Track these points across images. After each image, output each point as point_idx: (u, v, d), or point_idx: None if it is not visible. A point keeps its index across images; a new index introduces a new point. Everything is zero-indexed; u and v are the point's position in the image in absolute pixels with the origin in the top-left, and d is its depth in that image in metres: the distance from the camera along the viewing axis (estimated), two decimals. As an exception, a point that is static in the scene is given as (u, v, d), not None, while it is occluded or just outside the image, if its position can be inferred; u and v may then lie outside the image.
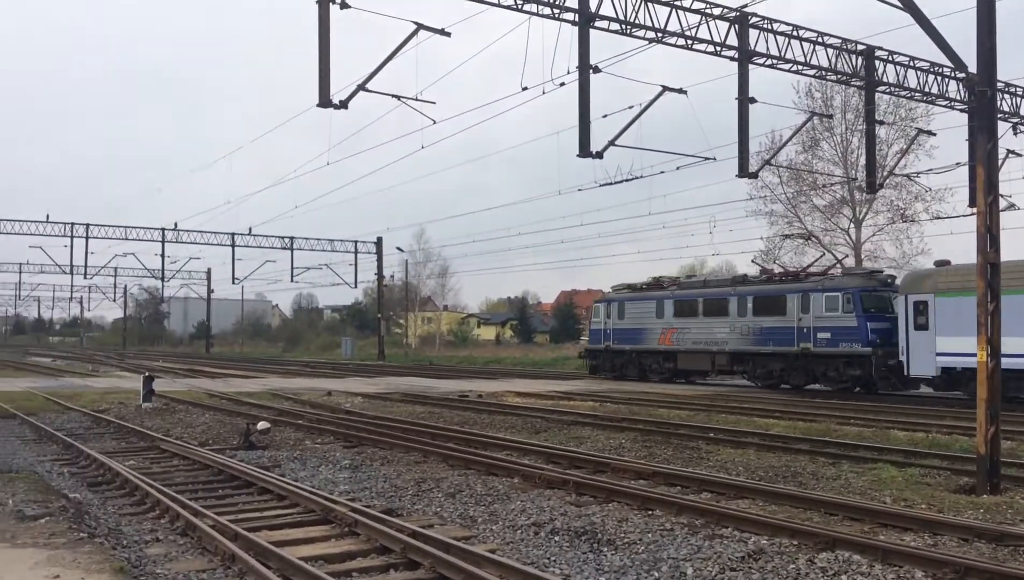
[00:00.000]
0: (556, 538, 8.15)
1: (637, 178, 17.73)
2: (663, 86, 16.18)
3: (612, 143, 15.40)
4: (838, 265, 29.32)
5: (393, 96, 14.64)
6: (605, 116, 15.87)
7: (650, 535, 8.18)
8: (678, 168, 18.21)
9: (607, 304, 34.32)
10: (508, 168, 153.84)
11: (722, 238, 60.46)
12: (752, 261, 48.18)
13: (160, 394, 22.68)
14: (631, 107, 16.26)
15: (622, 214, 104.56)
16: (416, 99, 14.94)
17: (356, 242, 63.97)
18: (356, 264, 63.94)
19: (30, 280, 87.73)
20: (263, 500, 9.83)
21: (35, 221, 55.72)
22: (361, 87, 13.99)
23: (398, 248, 70.83)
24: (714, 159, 17.26)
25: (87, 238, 57.46)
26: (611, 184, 18.07)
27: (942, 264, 23.84)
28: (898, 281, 26.42)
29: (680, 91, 16.11)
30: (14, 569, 6.44)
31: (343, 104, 13.49)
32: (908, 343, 23.36)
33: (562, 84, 14.17)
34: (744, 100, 14.81)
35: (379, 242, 64.10)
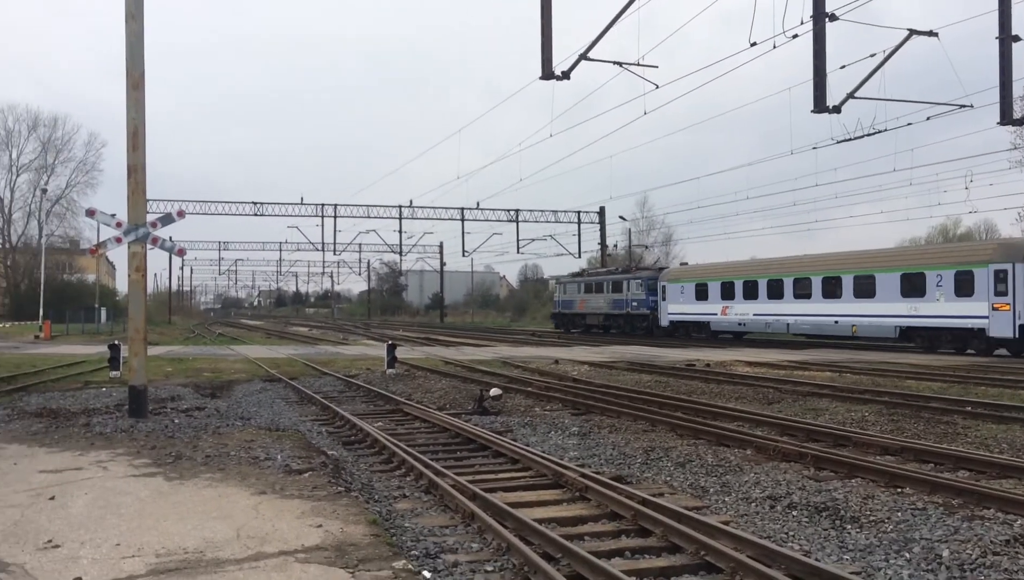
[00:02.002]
0: (794, 513, 7.81)
1: (880, 132, 16.43)
2: (910, 30, 14.85)
3: (851, 95, 14.39)
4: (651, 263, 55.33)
5: (615, 63, 14.53)
6: (843, 67, 14.83)
7: (899, 514, 7.62)
8: (928, 118, 16.66)
9: (559, 284, 57.91)
10: (736, 130, 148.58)
11: (980, 194, 54.96)
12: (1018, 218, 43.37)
13: (401, 361, 24.24)
14: (872, 55, 15.10)
15: (862, 172, 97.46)
16: (638, 64, 14.71)
17: (579, 212, 64.58)
18: (579, 234, 64.59)
19: (288, 257, 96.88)
20: (497, 463, 10.23)
21: (291, 203, 61.38)
22: (583, 56, 14.01)
23: (621, 217, 70.81)
24: (970, 106, 15.59)
25: (335, 217, 62.44)
26: (850, 140, 16.88)
27: (683, 265, 48.17)
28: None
29: (930, 34, 14.70)
30: (284, 518, 7.15)
31: (565, 75, 13.59)
32: (654, 307, 44.25)
33: (795, 36, 13.38)
34: (1007, 38, 13.21)
35: (602, 211, 64.28)
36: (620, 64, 14.84)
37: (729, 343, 38.17)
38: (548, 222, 64.82)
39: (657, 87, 16.31)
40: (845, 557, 6.48)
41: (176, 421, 13.09)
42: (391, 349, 23.40)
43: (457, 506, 7.74)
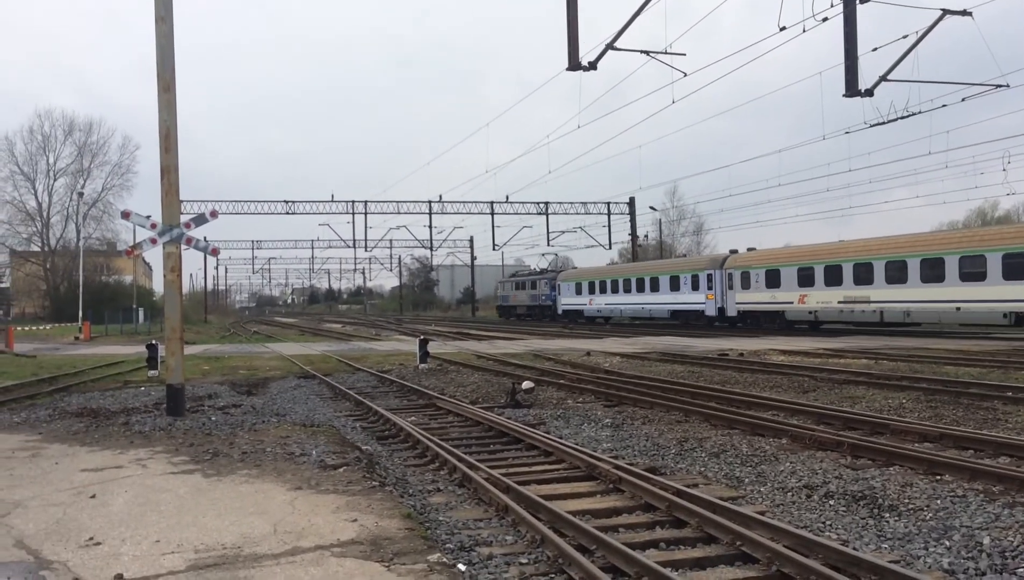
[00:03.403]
0: (831, 502, 7.73)
1: (914, 114, 16.17)
2: (943, 10, 14.55)
3: (884, 78, 14.16)
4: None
5: (642, 52, 14.41)
6: (875, 49, 14.55)
7: (939, 501, 7.51)
8: (963, 100, 16.38)
9: (500, 283, 75.04)
10: (766, 116, 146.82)
11: (1018, 176, 53.75)
12: None
13: (434, 356, 24.34)
14: (905, 37, 14.84)
15: (897, 155, 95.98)
16: (665, 52, 14.59)
17: (609, 203, 64.38)
18: (609, 225, 64.43)
19: (320, 254, 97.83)
20: (530, 455, 10.24)
21: (322, 201, 61.90)
22: (609, 46, 13.93)
23: (651, 207, 70.43)
24: (1006, 86, 15.30)
25: (366, 214, 62.84)
26: (883, 123, 16.61)
27: (574, 268, 65.87)
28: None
29: (964, 13, 14.40)
30: (319, 512, 7.23)
31: (592, 65, 13.53)
32: (555, 300, 58.73)
33: (825, 19, 13.18)
34: (1044, 14, 12.92)
35: (631, 202, 63.99)
36: (647, 53, 14.73)
37: (753, 331, 37.64)
38: (578, 214, 64.77)
39: (685, 75, 16.18)
40: (884, 546, 6.41)
41: (213, 419, 13.27)
42: (423, 344, 23.50)
43: (491, 499, 7.76)
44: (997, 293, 27.76)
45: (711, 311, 41.78)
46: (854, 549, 6.09)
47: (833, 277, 34.53)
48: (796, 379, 17.69)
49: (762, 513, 7.14)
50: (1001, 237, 28.45)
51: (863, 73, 12.74)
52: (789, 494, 8.07)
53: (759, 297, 38.70)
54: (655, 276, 46.62)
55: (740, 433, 11.42)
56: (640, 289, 48.04)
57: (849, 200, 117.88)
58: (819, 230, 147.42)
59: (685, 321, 43.96)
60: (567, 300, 56.88)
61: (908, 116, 16.05)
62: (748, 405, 13.81)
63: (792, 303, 36.78)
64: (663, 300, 45.47)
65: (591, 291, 53.62)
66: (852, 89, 12.47)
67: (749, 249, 42.00)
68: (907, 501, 7.56)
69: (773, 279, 37.90)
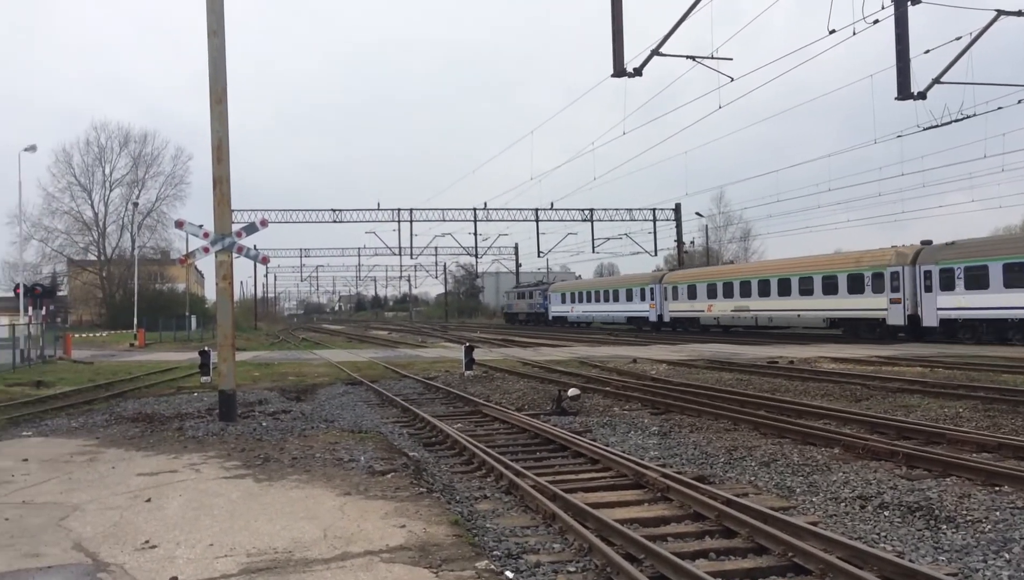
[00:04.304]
0: (885, 513, 7.56)
1: (968, 117, 15.78)
2: (998, 10, 14.22)
3: (937, 80, 13.86)
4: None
5: (688, 57, 14.32)
6: (927, 51, 14.26)
7: (997, 513, 7.31)
8: (1020, 101, 15.93)
9: (506, 294, 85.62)
10: (815, 120, 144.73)
11: (1077, 178, 51.95)
12: None
13: (479, 362, 24.41)
14: (958, 38, 14.48)
15: (951, 159, 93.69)
16: (712, 57, 14.48)
17: (654, 210, 64.02)
18: (655, 232, 64.03)
19: (367, 262, 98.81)
20: (577, 463, 10.20)
21: (369, 209, 62.58)
22: (655, 52, 13.87)
23: (697, 213, 69.83)
24: (1066, 85, 14.85)
25: (411, 222, 63.38)
26: (937, 126, 16.23)
27: (563, 281, 78.41)
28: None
29: (1019, 14, 14.05)
30: (368, 518, 7.29)
31: (637, 71, 13.48)
32: (547, 308, 68.65)
33: (875, 22, 12.95)
34: (1105, 11, 12.55)
35: (677, 208, 63.51)
36: (693, 58, 14.64)
37: (813, 339, 37.32)
38: (623, 221, 64.48)
39: (732, 80, 16.04)
40: (941, 558, 6.26)
41: (264, 424, 13.47)
42: (468, 351, 23.58)
43: (538, 507, 7.75)
44: (820, 304, 37.47)
45: (653, 317, 51.50)
46: (910, 561, 5.96)
47: (727, 292, 44.12)
48: (848, 387, 17.37)
49: (815, 524, 7.02)
50: (821, 265, 38.34)
51: (915, 75, 12.53)
52: (842, 505, 7.92)
53: (683, 306, 48.32)
54: (616, 289, 57.34)
55: (791, 442, 11.25)
56: (607, 299, 58.21)
57: (902, 205, 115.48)
58: (871, 235, 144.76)
59: (638, 326, 53.33)
60: (555, 308, 67.79)
61: (962, 119, 15.68)
62: (799, 414, 13.60)
63: (703, 311, 46.41)
64: (621, 308, 55.88)
65: (573, 301, 64.34)
66: (904, 92, 12.24)
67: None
68: (965, 512, 7.37)
69: (692, 293, 47.51)
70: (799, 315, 38.70)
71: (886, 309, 33.41)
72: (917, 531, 6.97)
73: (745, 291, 42.28)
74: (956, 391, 15.65)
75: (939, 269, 31.36)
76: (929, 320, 31.96)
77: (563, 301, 66.19)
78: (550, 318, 68.50)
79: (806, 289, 37.76)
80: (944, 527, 7.03)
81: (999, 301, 28.70)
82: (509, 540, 6.86)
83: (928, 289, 31.89)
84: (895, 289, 33.00)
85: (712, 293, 45.31)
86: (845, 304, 35.55)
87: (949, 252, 31.69)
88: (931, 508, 7.53)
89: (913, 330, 32.83)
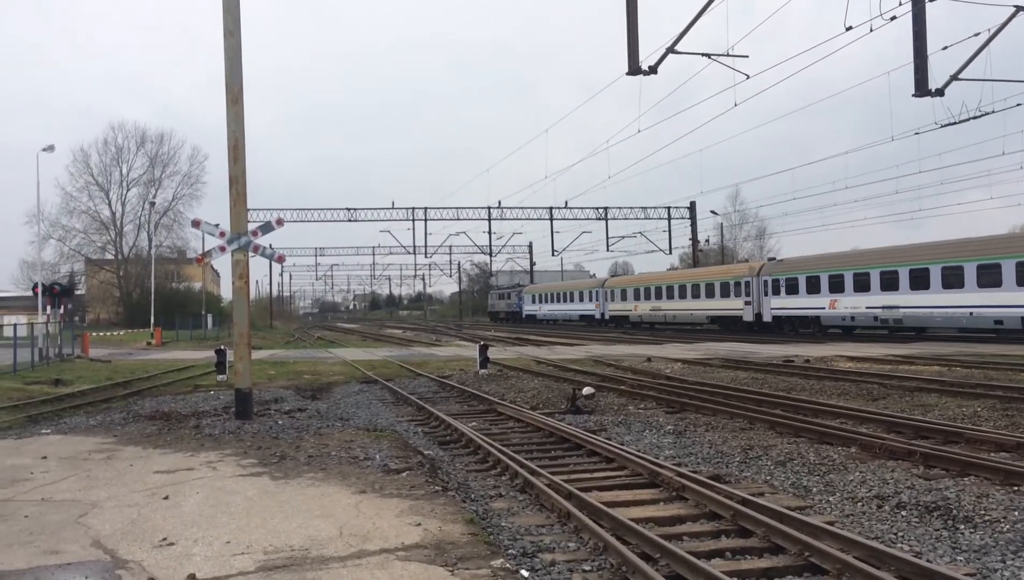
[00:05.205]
0: (903, 513, 7.52)
1: (987, 114, 15.62)
2: (1016, 6, 14.08)
3: (955, 77, 13.74)
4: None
5: (703, 55, 14.26)
6: (945, 48, 14.14)
7: (1016, 513, 7.25)
8: (1039, 97, 15.76)
9: (489, 294, 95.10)
10: (831, 118, 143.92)
11: (1098, 175, 51.36)
12: None
13: (494, 361, 24.41)
14: (976, 35, 14.36)
15: (969, 156, 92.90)
16: (727, 55, 14.41)
17: (669, 208, 63.85)
18: (670, 230, 63.86)
19: (381, 261, 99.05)
20: (592, 462, 10.19)
21: (383, 208, 62.78)
22: (670, 50, 13.82)
23: (712, 211, 69.56)
24: (1086, 82, 14.69)
25: (426, 221, 63.50)
26: (955, 123, 16.08)
27: (533, 284, 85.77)
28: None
29: (1039, 8, 13.90)
30: (384, 516, 7.32)
31: (652, 69, 13.43)
32: (521, 307, 78.35)
33: (893, 18, 12.86)
34: None
35: (692, 207, 63.34)
36: (709, 56, 14.57)
37: (829, 338, 37.30)
38: (637, 219, 64.36)
39: (748, 77, 15.97)
40: (959, 558, 6.21)
41: (280, 422, 13.54)
42: (483, 350, 23.60)
43: (553, 505, 7.75)
44: (704, 305, 46.43)
45: (597, 316, 60.79)
46: (928, 561, 5.92)
47: (647, 295, 53.27)
48: (865, 386, 17.27)
49: (831, 523, 6.99)
50: (706, 275, 47.46)
51: (933, 72, 12.42)
52: (859, 504, 7.88)
53: (618, 306, 57.49)
54: (572, 292, 66.48)
55: (807, 441, 11.20)
56: (566, 300, 67.34)
57: (919, 202, 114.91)
58: (888, 233, 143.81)
59: (588, 322, 62.47)
60: (528, 307, 76.85)
61: (981, 116, 15.53)
62: (815, 413, 13.53)
63: (632, 310, 55.61)
64: (576, 308, 65.07)
65: (542, 301, 73.42)
66: (922, 89, 12.15)
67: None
68: (983, 512, 7.31)
69: (623, 296, 56.83)
70: (691, 313, 48.14)
71: (742, 309, 43.51)
72: (935, 531, 6.93)
73: (659, 295, 52.16)
74: (974, 390, 15.53)
75: (771, 280, 41.44)
76: (767, 317, 41.99)
77: (534, 301, 75.40)
78: (523, 316, 77.60)
79: (696, 294, 47.38)
80: (962, 527, 6.98)
81: (804, 303, 39.06)
82: (524, 539, 6.87)
83: (766, 294, 41.97)
84: (748, 294, 43.00)
85: (637, 296, 55.31)
86: (719, 305, 45.40)
87: (778, 267, 42.11)
88: (949, 508, 7.48)
89: (760, 325, 42.30)
